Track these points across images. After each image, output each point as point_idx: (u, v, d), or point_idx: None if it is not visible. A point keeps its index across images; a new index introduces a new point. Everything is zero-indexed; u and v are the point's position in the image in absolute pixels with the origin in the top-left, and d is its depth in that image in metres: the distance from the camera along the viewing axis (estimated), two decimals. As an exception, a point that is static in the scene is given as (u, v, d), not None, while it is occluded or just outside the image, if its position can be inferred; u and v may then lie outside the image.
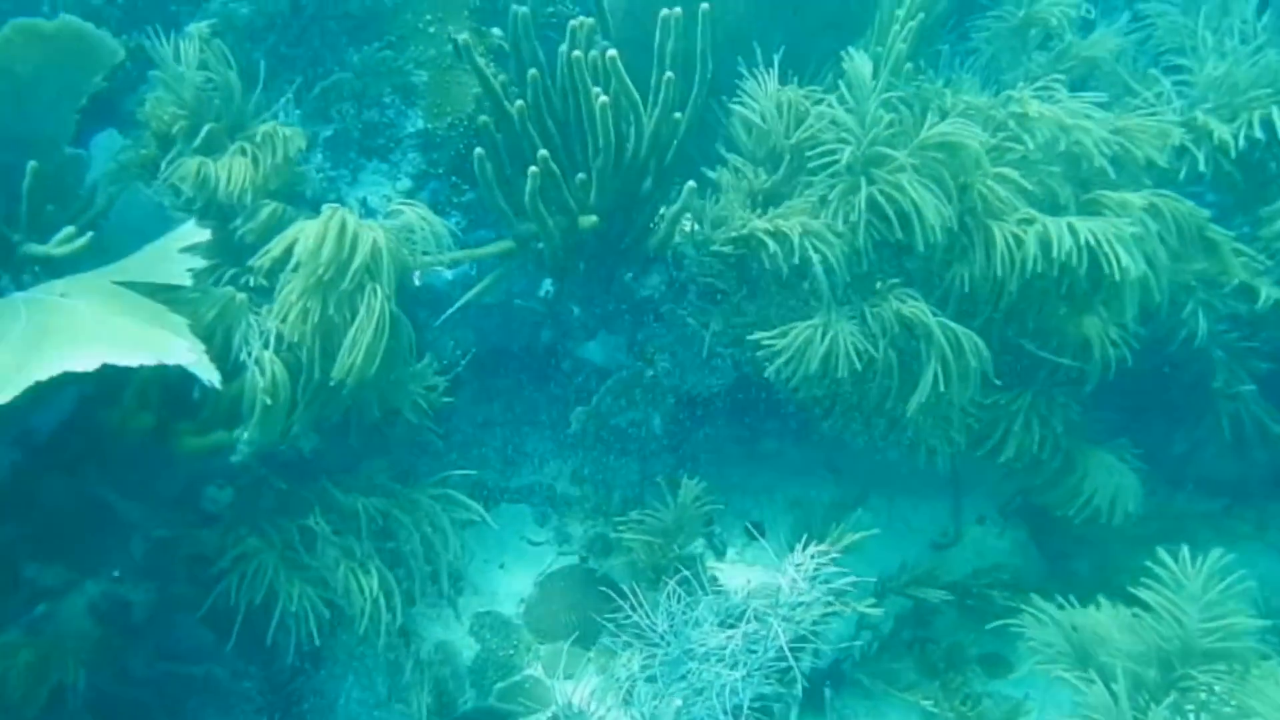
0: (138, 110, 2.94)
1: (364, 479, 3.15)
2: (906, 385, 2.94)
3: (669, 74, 2.90)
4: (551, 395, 3.94)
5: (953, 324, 2.87)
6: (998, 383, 3.01)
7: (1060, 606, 2.61)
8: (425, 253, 2.95)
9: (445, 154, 3.55)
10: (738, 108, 3.22)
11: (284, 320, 2.62)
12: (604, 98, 2.86)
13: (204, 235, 2.52)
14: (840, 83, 2.99)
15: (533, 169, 2.82)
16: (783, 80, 3.19)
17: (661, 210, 3.26)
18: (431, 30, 3.61)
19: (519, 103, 2.92)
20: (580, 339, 3.71)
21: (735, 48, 3.29)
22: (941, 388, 2.84)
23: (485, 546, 3.72)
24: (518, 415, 4.08)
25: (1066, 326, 2.97)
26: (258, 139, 2.97)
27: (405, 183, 3.50)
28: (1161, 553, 2.43)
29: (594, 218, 2.99)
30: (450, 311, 3.19)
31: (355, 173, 3.50)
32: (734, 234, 3.12)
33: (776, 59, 3.19)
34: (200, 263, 2.41)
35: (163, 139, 2.92)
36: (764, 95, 3.16)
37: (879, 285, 3.02)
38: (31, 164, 2.45)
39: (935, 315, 2.87)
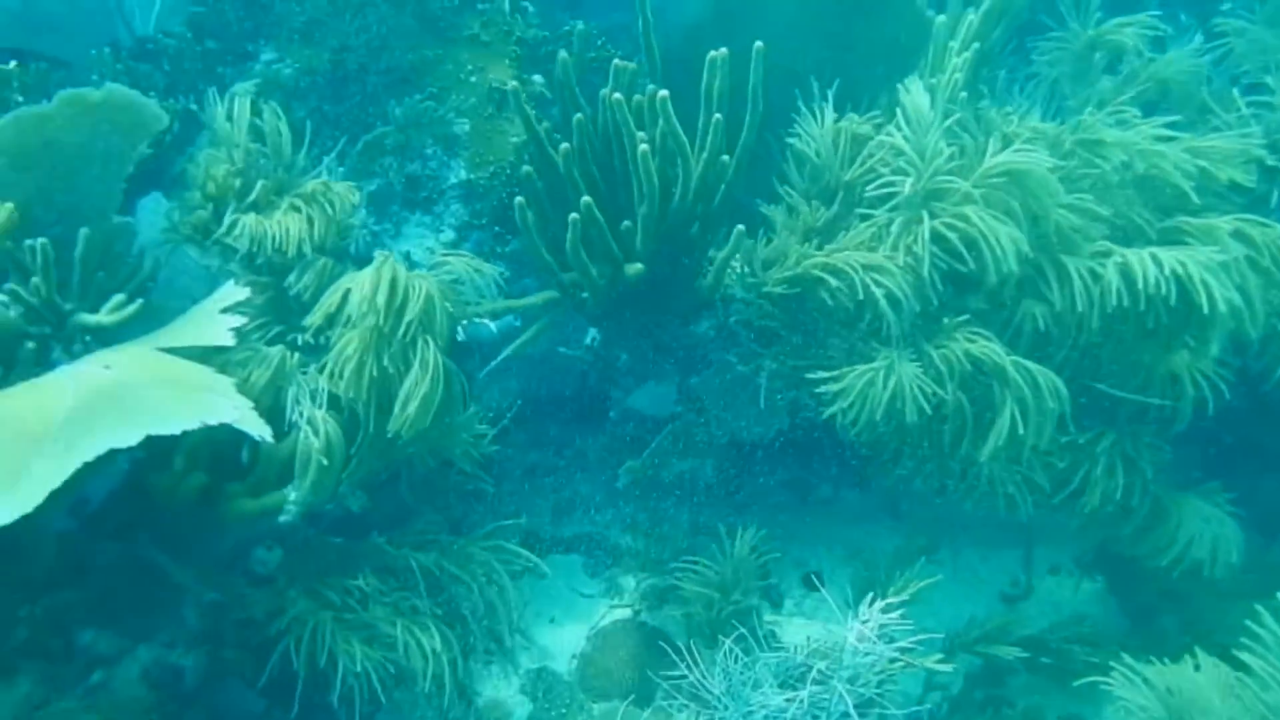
0: (188, 168, 2.95)
1: (415, 533, 3.09)
2: (980, 429, 2.79)
3: (717, 116, 2.82)
4: (601, 443, 3.87)
5: (1028, 363, 2.72)
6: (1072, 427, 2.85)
7: (1150, 664, 2.42)
8: (470, 302, 2.91)
9: (488, 204, 3.51)
10: (792, 141, 3.14)
11: (339, 376, 2.58)
12: (644, 146, 2.78)
13: (243, 293, 2.50)
14: (898, 113, 2.88)
15: (573, 216, 2.75)
16: (837, 113, 3.11)
17: (710, 254, 3.18)
18: (473, 80, 3.59)
19: (564, 146, 2.86)
20: (628, 386, 3.63)
21: (786, 82, 3.22)
22: (1019, 430, 2.69)
23: (536, 599, 3.63)
24: (567, 461, 4.02)
25: (1151, 363, 2.80)
26: (308, 195, 2.95)
27: (448, 234, 3.47)
28: (1260, 610, 2.25)
29: (639, 266, 2.91)
30: (496, 362, 3.13)
31: (399, 226, 3.47)
32: (788, 273, 3.02)
33: (830, 92, 3.10)
34: (241, 321, 2.37)
35: (214, 199, 2.91)
36: (818, 129, 3.07)
37: (945, 322, 2.89)
38: (84, 231, 2.45)
39: (1009, 354, 2.73)
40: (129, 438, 1.90)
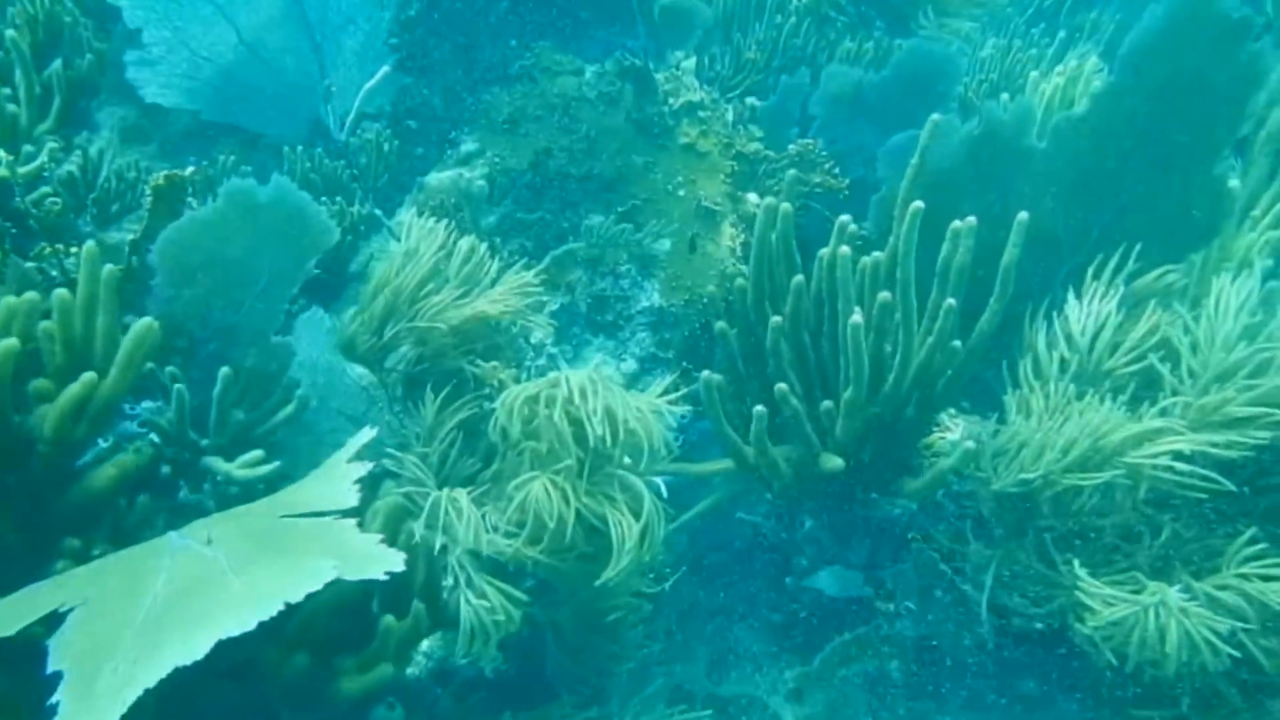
0: (361, 291, 2.75)
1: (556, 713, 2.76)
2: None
3: (950, 302, 2.32)
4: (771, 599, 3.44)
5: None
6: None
7: None
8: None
9: (678, 334, 3.14)
10: (1044, 325, 2.59)
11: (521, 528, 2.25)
12: (857, 318, 2.32)
13: (371, 434, 2.24)
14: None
15: (759, 409, 2.33)
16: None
17: (926, 440, 2.69)
18: (681, 194, 3.23)
19: (775, 320, 2.44)
20: (810, 557, 3.17)
21: (1042, 245, 2.67)
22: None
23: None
24: (730, 603, 3.61)
25: None
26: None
27: (631, 364, 3.12)
28: None
29: (838, 461, 2.45)
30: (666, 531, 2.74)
31: (578, 349, 3.16)
32: (1028, 475, 2.47)
33: (1091, 270, 2.53)
34: (367, 469, 2.11)
35: (380, 317, 2.69)
36: (1081, 310, 2.51)
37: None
38: (224, 371, 2.26)
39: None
40: (197, 649, 1.64)
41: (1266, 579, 2.20)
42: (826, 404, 2.48)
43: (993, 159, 2.66)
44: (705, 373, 2.45)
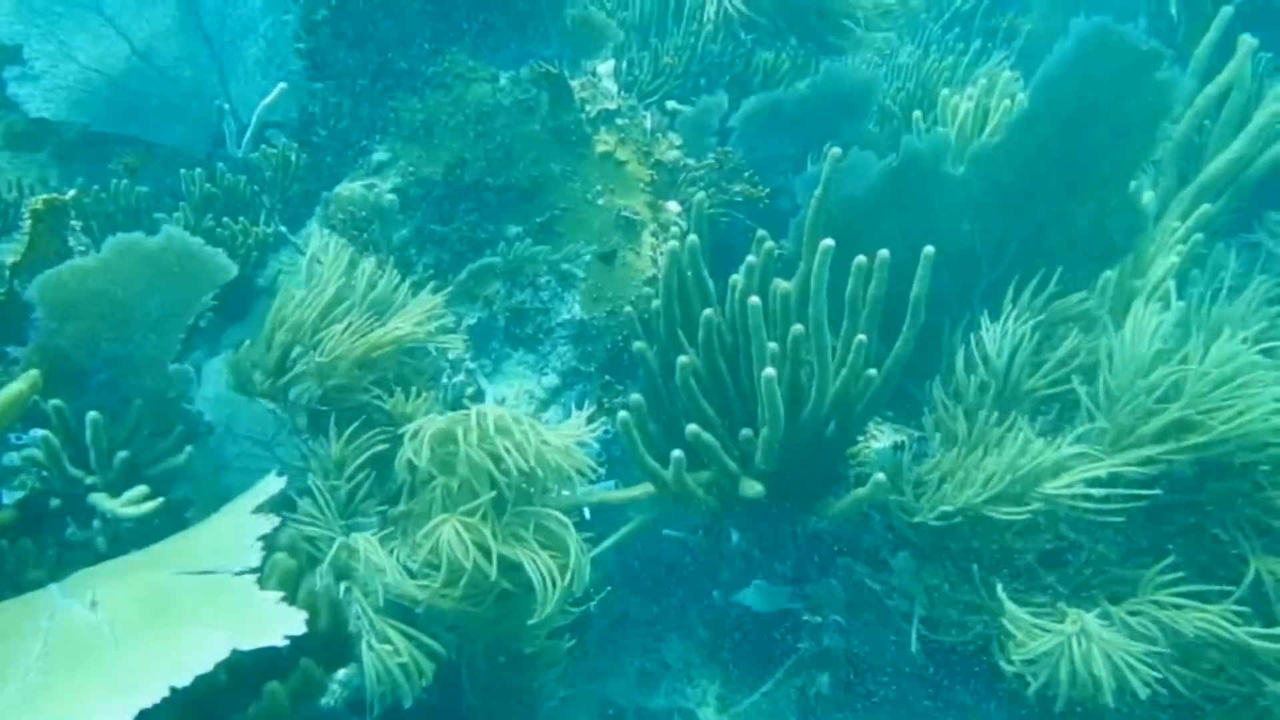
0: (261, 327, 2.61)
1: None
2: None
3: (860, 338, 2.29)
4: (699, 613, 3.41)
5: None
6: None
7: None
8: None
9: (600, 346, 3.07)
10: (962, 346, 2.59)
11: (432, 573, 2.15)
12: (771, 370, 2.26)
13: (280, 485, 2.13)
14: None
15: (676, 454, 2.28)
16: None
17: (851, 449, 2.68)
18: (600, 203, 3.16)
19: (682, 360, 2.38)
20: (737, 571, 3.14)
21: (962, 263, 2.67)
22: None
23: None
24: (659, 616, 3.57)
25: None
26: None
27: (552, 379, 3.04)
28: None
29: (758, 487, 2.41)
30: (591, 554, 2.68)
31: (497, 363, 3.07)
32: (948, 507, 2.47)
33: (1011, 289, 2.54)
34: (274, 525, 2.00)
35: (284, 345, 2.57)
36: (996, 329, 2.52)
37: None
38: (92, 415, 2.13)
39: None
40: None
41: (1179, 606, 2.24)
42: (745, 432, 2.43)
43: (911, 184, 2.65)
44: (621, 413, 2.39)
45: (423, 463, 2.09)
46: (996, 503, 2.38)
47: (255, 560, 1.91)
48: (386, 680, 2.08)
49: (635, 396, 2.57)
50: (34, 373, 1.99)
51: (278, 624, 1.61)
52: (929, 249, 2.20)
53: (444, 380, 2.91)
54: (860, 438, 2.79)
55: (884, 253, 2.23)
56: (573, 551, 2.10)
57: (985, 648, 2.58)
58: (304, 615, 1.65)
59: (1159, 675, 2.09)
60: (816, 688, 3.11)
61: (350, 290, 2.50)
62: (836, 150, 2.46)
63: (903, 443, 2.93)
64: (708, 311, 2.37)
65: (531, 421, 2.12)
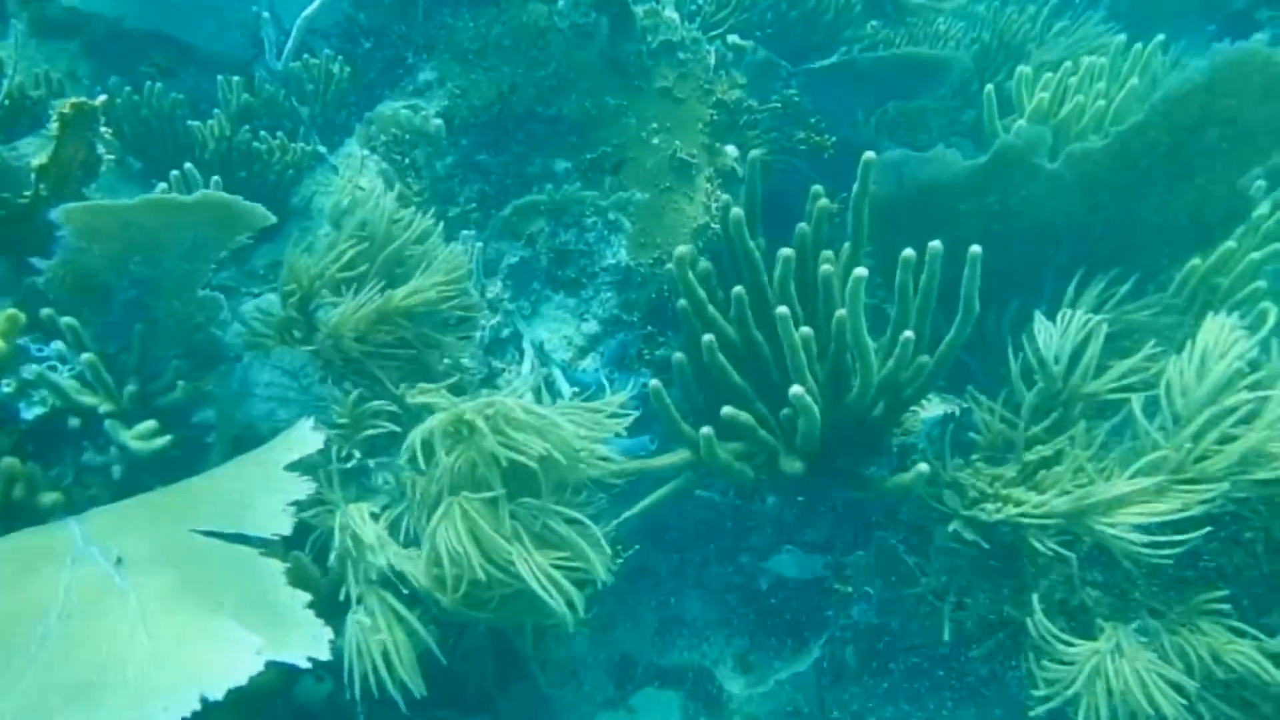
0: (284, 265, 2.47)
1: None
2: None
3: (907, 334, 2.14)
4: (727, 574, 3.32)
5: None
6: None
7: None
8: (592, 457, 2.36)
9: (644, 294, 2.94)
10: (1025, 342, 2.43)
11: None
12: (797, 389, 2.10)
13: (319, 441, 2.01)
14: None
15: (705, 431, 2.16)
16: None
17: (895, 435, 2.55)
18: (655, 141, 2.99)
19: (706, 338, 2.24)
20: (768, 536, 3.05)
21: (1040, 236, 2.50)
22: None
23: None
24: (683, 573, 3.49)
25: None
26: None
27: (592, 325, 2.91)
28: None
29: (799, 464, 2.28)
30: (618, 521, 2.58)
31: (536, 305, 2.94)
32: (983, 517, 2.34)
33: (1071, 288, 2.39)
34: (309, 490, 1.89)
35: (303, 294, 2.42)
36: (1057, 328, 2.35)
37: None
38: (87, 357, 2.02)
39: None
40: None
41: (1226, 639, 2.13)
42: (786, 412, 2.30)
43: (998, 175, 2.47)
44: (652, 382, 2.27)
45: (438, 454, 1.97)
46: (1043, 528, 2.25)
47: (287, 528, 1.81)
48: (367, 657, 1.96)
49: (678, 355, 2.45)
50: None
51: (307, 641, 1.51)
52: (975, 249, 2.05)
53: (481, 323, 2.79)
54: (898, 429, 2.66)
55: (936, 245, 2.08)
56: (594, 562, 1.98)
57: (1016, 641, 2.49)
58: (329, 634, 1.55)
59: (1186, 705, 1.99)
60: (842, 658, 3.05)
61: (379, 232, 2.34)
62: (870, 154, 2.31)
63: (953, 413, 2.81)
64: (737, 289, 2.24)
65: (554, 414, 1.99)
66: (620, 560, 2.68)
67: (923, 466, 2.19)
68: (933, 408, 2.89)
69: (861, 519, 2.94)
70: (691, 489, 2.58)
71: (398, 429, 2.16)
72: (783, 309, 2.12)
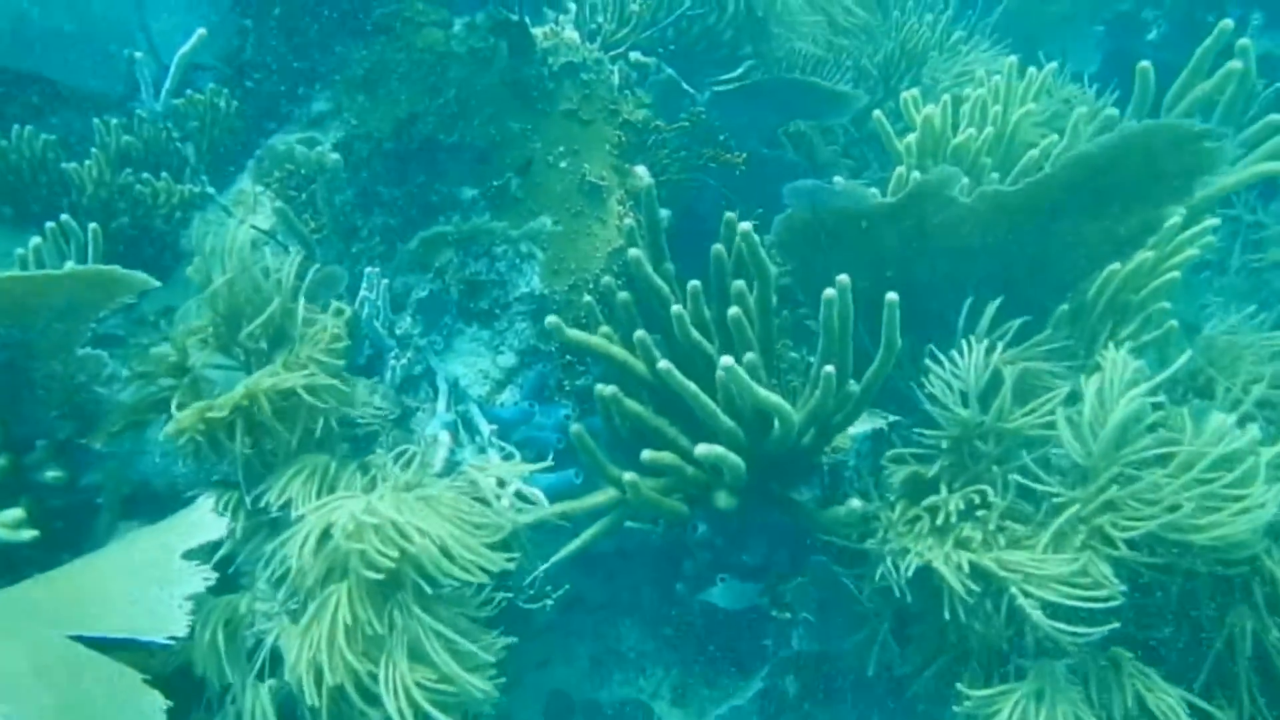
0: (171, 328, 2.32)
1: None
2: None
3: (828, 369, 2.11)
4: (660, 605, 3.24)
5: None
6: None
7: None
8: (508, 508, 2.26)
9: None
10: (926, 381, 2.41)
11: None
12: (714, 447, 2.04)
13: (220, 529, 1.86)
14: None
15: (629, 478, 2.09)
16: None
17: (825, 454, 2.51)
18: (563, 165, 2.91)
19: (602, 388, 2.20)
20: (703, 563, 2.97)
21: (955, 258, 2.49)
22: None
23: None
24: (614, 604, 3.40)
25: None
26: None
27: (508, 358, 2.81)
28: None
29: (732, 498, 2.22)
30: (544, 568, 2.48)
31: (449, 340, 2.82)
32: (907, 560, 2.30)
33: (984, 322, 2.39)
34: (206, 583, 1.74)
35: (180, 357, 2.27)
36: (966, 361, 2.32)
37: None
38: None
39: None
40: None
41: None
42: (702, 449, 2.20)
43: (911, 206, 2.46)
44: (574, 426, 2.20)
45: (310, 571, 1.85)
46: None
47: (182, 628, 1.66)
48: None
49: (599, 386, 2.37)
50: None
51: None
52: (892, 295, 2.03)
53: (390, 361, 2.67)
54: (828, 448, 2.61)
55: (843, 279, 2.05)
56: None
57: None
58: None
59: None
60: (783, 688, 2.99)
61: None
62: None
63: (882, 429, 2.78)
64: (639, 333, 2.18)
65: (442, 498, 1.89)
66: (551, 601, 2.61)
67: (855, 503, 2.15)
68: (862, 423, 2.86)
69: (796, 541, 2.89)
70: (621, 522, 2.50)
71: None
72: (664, 364, 2.10)
